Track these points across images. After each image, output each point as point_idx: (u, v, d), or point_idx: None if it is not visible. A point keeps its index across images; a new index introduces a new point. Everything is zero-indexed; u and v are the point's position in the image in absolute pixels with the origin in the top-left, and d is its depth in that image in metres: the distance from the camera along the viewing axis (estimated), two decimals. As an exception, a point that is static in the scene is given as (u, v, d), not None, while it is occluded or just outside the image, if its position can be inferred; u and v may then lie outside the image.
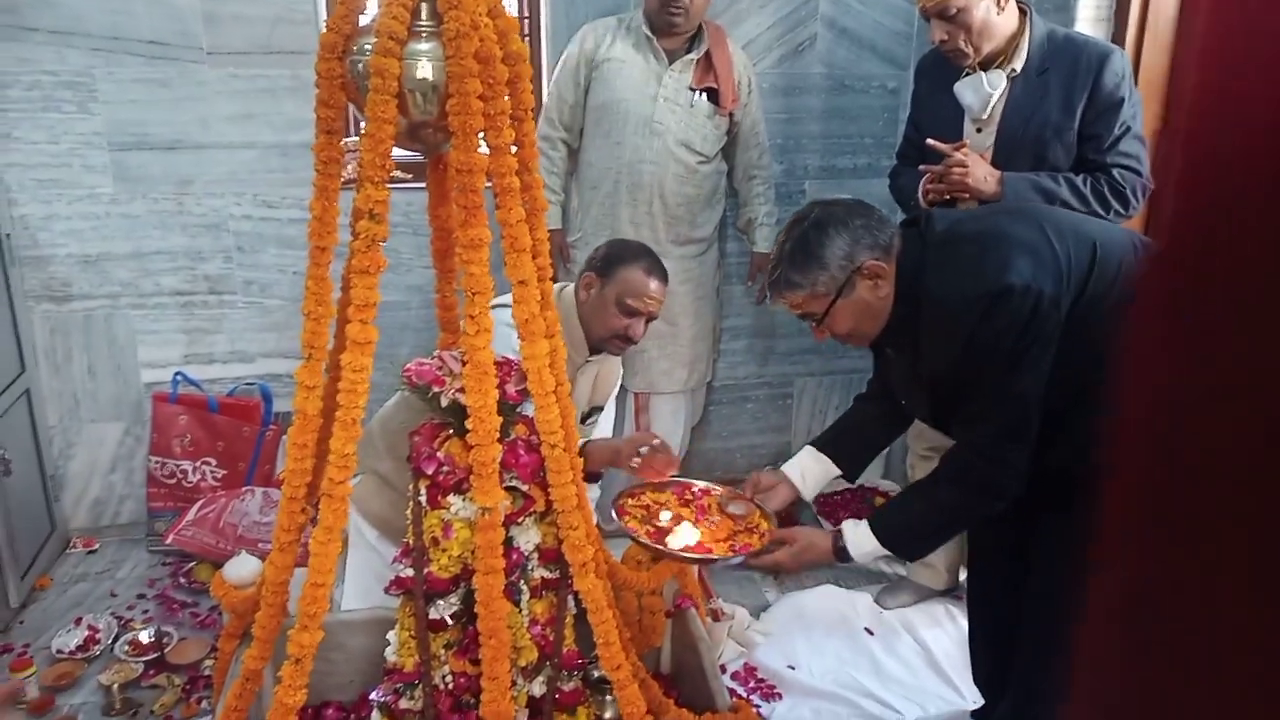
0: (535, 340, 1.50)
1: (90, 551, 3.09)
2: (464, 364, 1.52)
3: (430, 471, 1.66)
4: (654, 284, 2.21)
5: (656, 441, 2.07)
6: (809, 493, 2.04)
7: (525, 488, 1.69)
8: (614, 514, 1.94)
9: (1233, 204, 0.32)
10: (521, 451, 1.67)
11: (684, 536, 1.90)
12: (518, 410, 1.69)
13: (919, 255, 1.73)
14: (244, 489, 2.96)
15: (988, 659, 2.12)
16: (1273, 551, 0.32)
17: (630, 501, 2.00)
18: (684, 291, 2.99)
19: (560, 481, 1.58)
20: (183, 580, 2.88)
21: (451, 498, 1.66)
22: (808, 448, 2.07)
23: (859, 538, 1.82)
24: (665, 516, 1.96)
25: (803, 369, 3.60)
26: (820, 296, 1.74)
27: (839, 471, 2.04)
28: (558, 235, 2.91)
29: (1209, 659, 0.36)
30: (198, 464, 3.06)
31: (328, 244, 1.47)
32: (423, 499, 1.69)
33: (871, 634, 2.62)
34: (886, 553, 1.83)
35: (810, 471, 2.03)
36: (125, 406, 3.13)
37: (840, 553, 1.84)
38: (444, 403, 1.61)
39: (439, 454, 1.67)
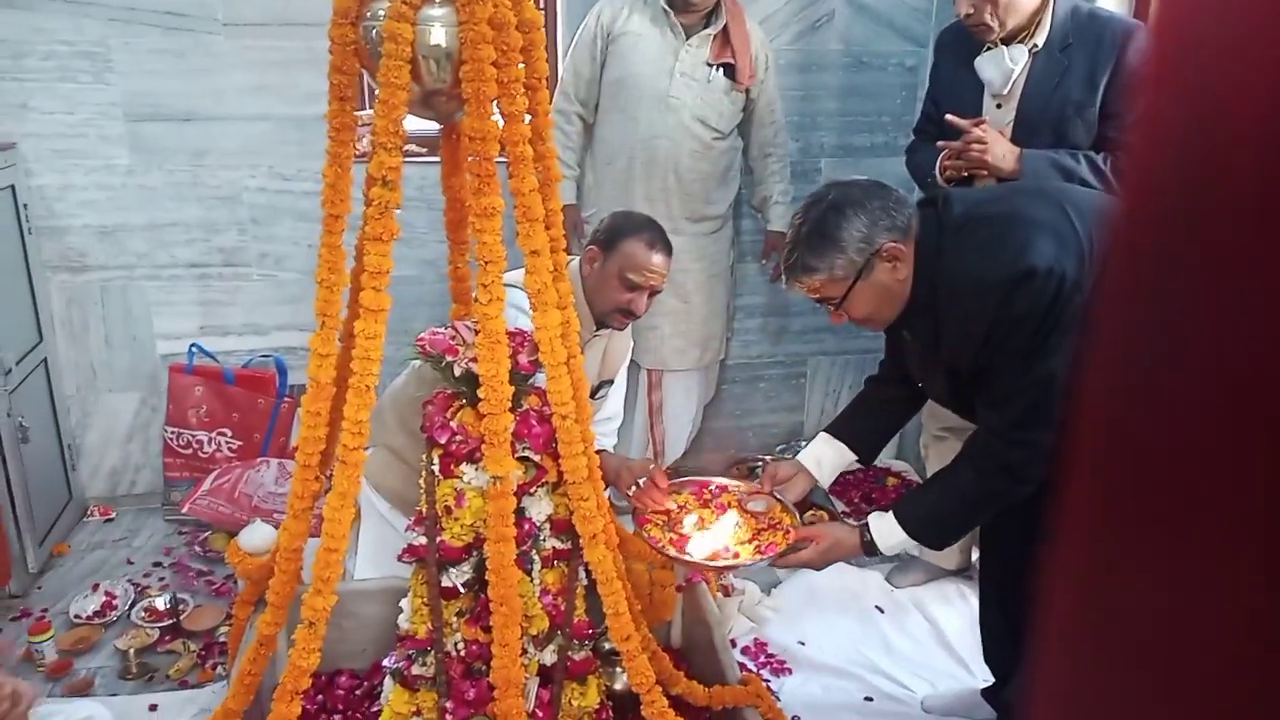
0: (547, 311, 1.50)
1: (107, 520, 3.12)
2: (477, 333, 1.53)
3: (443, 440, 1.66)
4: (656, 257, 2.18)
5: (652, 468, 2.07)
6: (826, 480, 2.04)
7: (537, 458, 1.69)
8: (634, 524, 1.94)
9: (1196, 169, 0.31)
10: (534, 422, 1.68)
11: (707, 542, 1.89)
12: (530, 381, 1.70)
13: (937, 237, 1.70)
14: (259, 460, 2.98)
15: (998, 638, 2.12)
16: (1243, 540, 0.31)
17: (650, 522, 1.98)
18: (698, 269, 2.98)
19: (571, 453, 1.58)
20: (198, 549, 2.91)
21: (464, 467, 1.67)
22: (822, 434, 2.06)
23: (885, 530, 1.81)
24: (689, 522, 1.94)
25: (816, 348, 3.59)
26: (838, 280, 1.71)
27: (854, 457, 2.03)
28: (572, 211, 2.90)
29: (1170, 659, 0.35)
30: (213, 435, 3.08)
31: (341, 211, 1.47)
32: (435, 468, 1.70)
33: (882, 612, 2.63)
34: (914, 543, 1.81)
35: (826, 459, 2.02)
36: (141, 377, 3.15)
37: (868, 546, 1.82)
38: (457, 372, 1.62)
39: (452, 423, 1.68)
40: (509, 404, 1.50)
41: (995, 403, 1.71)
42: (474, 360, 1.57)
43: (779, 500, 1.96)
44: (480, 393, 1.50)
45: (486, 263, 1.41)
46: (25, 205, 2.88)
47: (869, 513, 3.15)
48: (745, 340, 3.52)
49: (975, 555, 2.79)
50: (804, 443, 3.65)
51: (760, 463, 3.50)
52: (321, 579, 1.44)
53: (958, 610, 2.61)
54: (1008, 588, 2.02)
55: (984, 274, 1.63)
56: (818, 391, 3.65)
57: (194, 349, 3.09)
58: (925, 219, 1.73)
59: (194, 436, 3.08)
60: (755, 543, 1.88)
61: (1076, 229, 1.63)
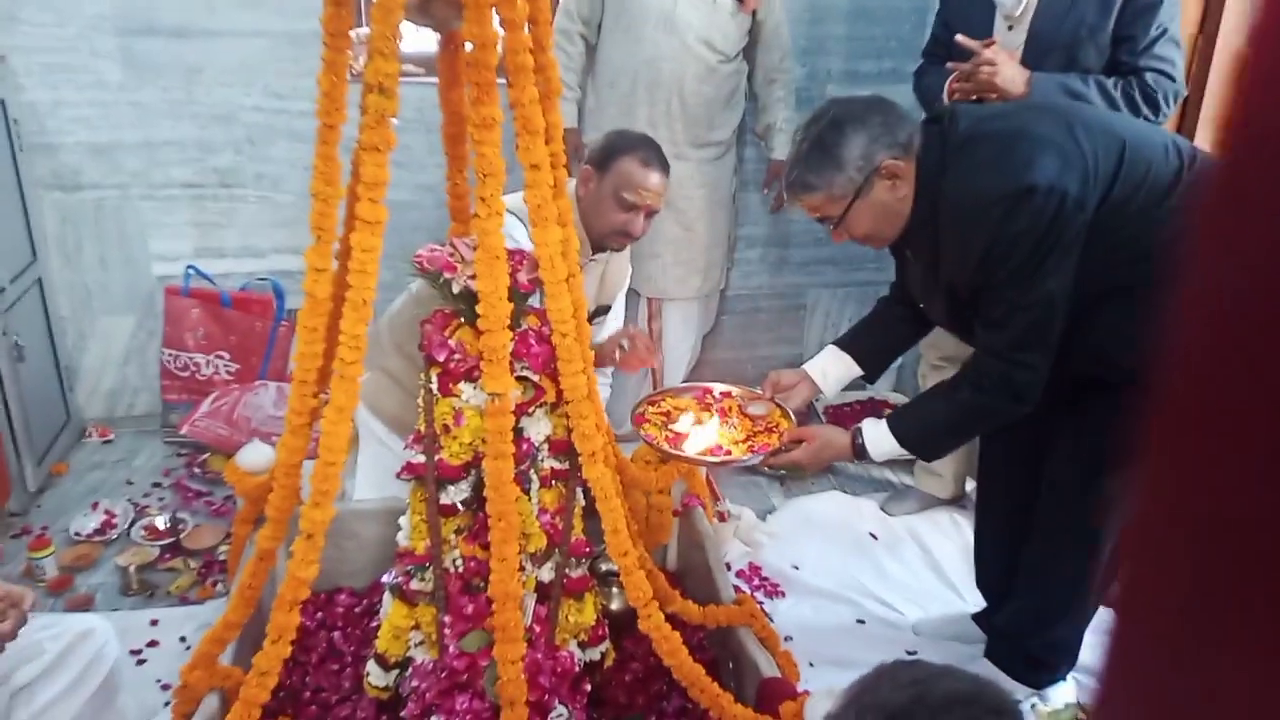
0: (547, 227, 1.48)
1: (106, 441, 3.13)
2: (475, 249, 1.51)
3: (442, 359, 1.66)
4: (653, 176, 2.14)
5: (633, 330, 2.06)
6: (830, 390, 2.02)
7: (536, 378, 1.69)
8: (631, 423, 1.93)
9: None
10: (533, 342, 1.67)
11: (701, 439, 1.89)
12: (529, 301, 1.68)
13: (940, 154, 1.67)
14: (257, 383, 2.98)
15: (992, 565, 2.14)
16: None
17: (650, 409, 1.99)
18: (700, 196, 2.94)
19: (570, 371, 1.57)
20: (197, 470, 2.92)
21: (462, 385, 1.66)
22: (830, 347, 2.05)
23: (877, 436, 1.81)
24: (685, 421, 1.95)
25: (817, 280, 3.57)
26: (837, 199, 1.69)
27: (860, 371, 2.01)
28: (573, 135, 2.85)
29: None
30: (211, 358, 3.07)
31: (336, 121, 1.44)
32: (434, 386, 1.69)
33: (876, 539, 2.65)
34: (904, 452, 1.81)
35: (831, 370, 2.01)
36: (137, 299, 3.13)
37: (859, 450, 1.82)
38: (455, 289, 1.60)
39: (450, 341, 1.67)
40: (508, 321, 1.48)
41: (994, 323, 1.69)
42: (472, 277, 1.55)
43: (779, 406, 1.96)
44: (479, 309, 1.48)
45: (485, 176, 1.39)
46: (16, 120, 2.83)
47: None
48: (745, 271, 3.49)
49: (970, 485, 2.82)
50: (802, 375, 3.67)
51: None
52: (320, 491, 1.44)
53: (951, 538, 2.64)
54: (1004, 514, 2.04)
55: (984, 190, 1.60)
56: (817, 324, 3.64)
57: (190, 271, 3.07)
58: (929, 136, 1.70)
59: (191, 359, 3.07)
60: (750, 443, 1.88)
61: (1082, 147, 1.60)
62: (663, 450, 1.87)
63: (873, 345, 2.02)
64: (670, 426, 1.93)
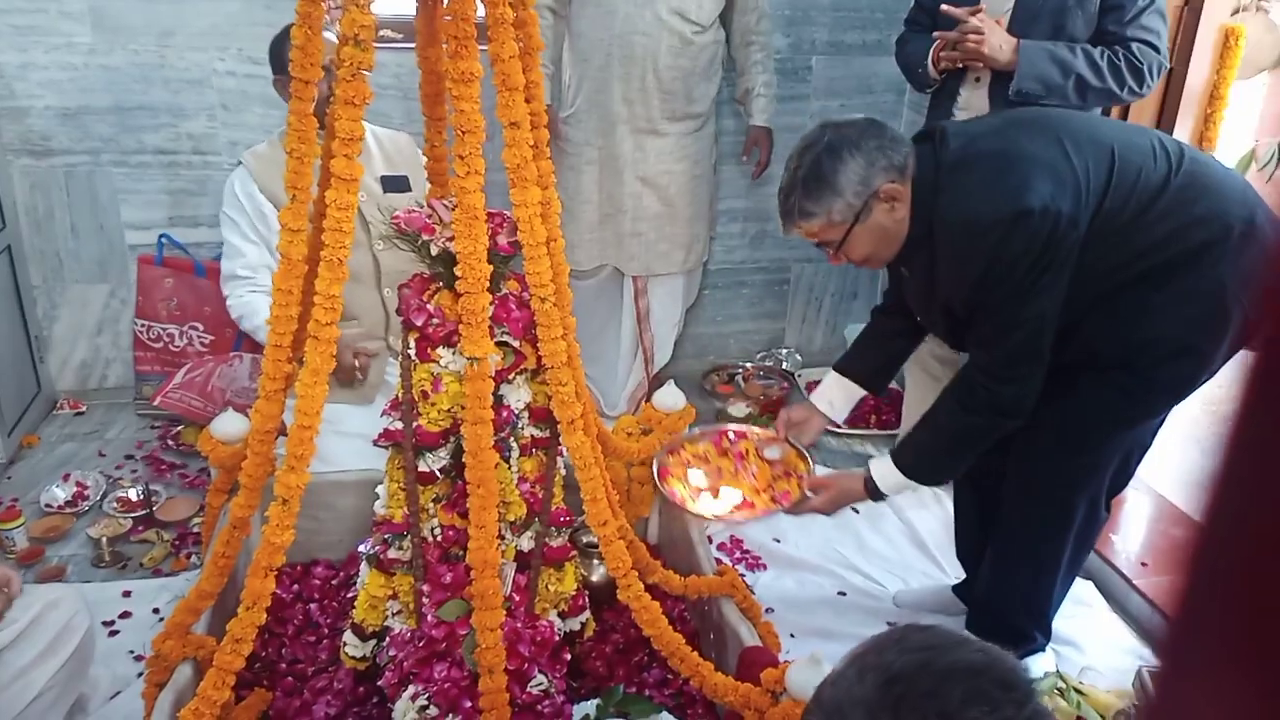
0: (526, 188, 1.45)
1: (78, 413, 3.08)
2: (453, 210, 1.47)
3: (419, 323, 1.63)
4: None
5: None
6: (840, 416, 2.07)
7: (516, 344, 1.66)
8: (655, 476, 1.98)
9: None
10: (513, 306, 1.64)
11: (727, 498, 1.96)
12: (509, 265, 1.65)
13: (934, 175, 1.68)
14: (231, 355, 2.92)
15: (971, 536, 2.15)
16: None
17: (672, 460, 2.02)
18: (681, 170, 2.89)
19: (550, 336, 1.55)
20: (170, 443, 2.88)
21: (441, 350, 1.64)
22: (832, 374, 2.07)
23: (885, 472, 1.86)
24: (697, 477, 2.00)
25: (800, 254, 3.54)
26: (836, 225, 1.70)
27: (864, 392, 2.05)
28: (549, 111, 2.80)
29: None
30: (184, 328, 3.02)
31: (310, 77, 1.40)
32: (411, 352, 1.66)
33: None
34: (913, 484, 1.86)
35: (837, 398, 2.05)
36: (110, 268, 3.07)
37: (872, 491, 1.88)
38: (434, 251, 1.57)
39: (429, 306, 1.63)
40: (487, 283, 1.45)
41: (986, 341, 1.72)
42: (450, 239, 1.52)
43: (794, 446, 2.00)
44: (457, 271, 1.45)
45: (464, 133, 1.35)
46: (-18, 84, 2.76)
47: (880, 423, 3.19)
48: (728, 245, 3.47)
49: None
50: (784, 350, 3.66)
51: (740, 370, 3.49)
52: (295, 456, 1.41)
53: (932, 512, 2.64)
54: (982, 486, 2.03)
55: (980, 214, 1.62)
56: (800, 299, 3.62)
57: (163, 240, 3.01)
58: (921, 156, 1.70)
59: (164, 330, 3.02)
60: (770, 491, 1.96)
61: (1074, 164, 1.62)
62: (689, 511, 1.94)
63: (873, 364, 2.06)
64: (692, 481, 2.00)
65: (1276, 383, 0.29)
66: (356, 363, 2.41)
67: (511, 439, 1.72)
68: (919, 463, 1.85)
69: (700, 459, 2.04)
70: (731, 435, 2.07)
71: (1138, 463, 1.89)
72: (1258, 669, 0.30)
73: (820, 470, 2.86)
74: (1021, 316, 1.64)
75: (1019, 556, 1.94)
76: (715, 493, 1.99)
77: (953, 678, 0.76)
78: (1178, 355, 1.68)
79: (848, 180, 1.66)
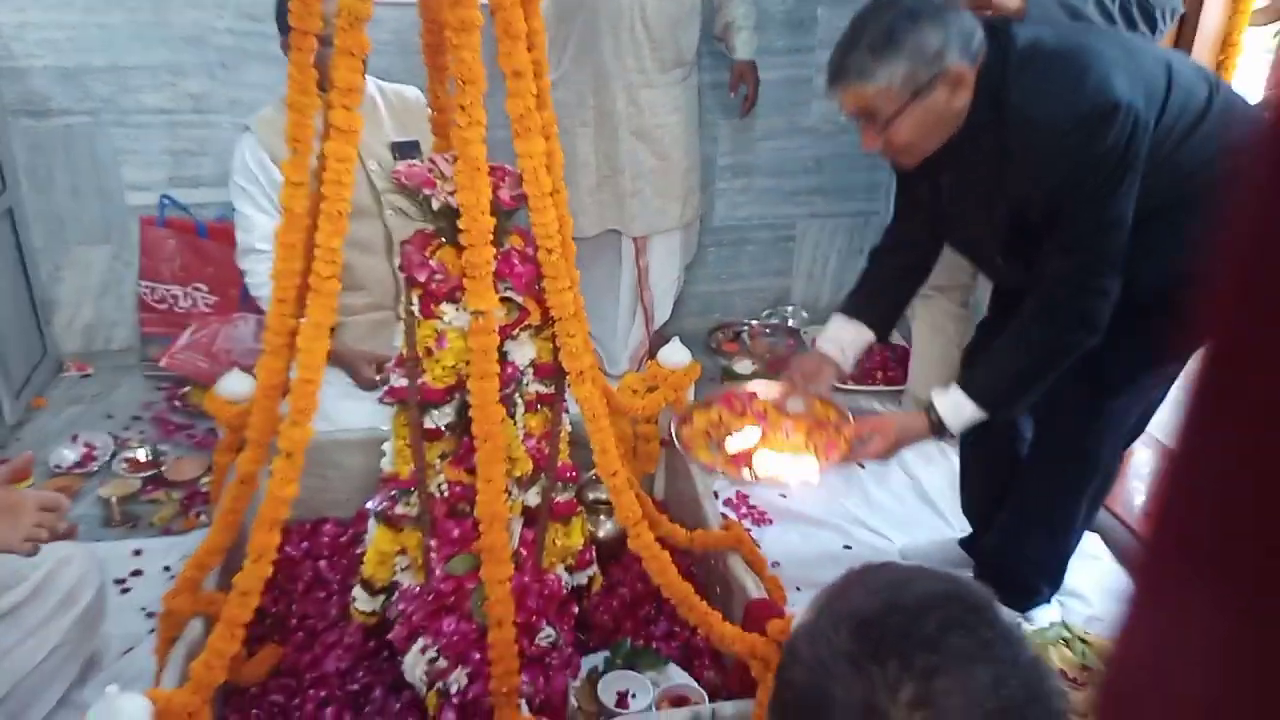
0: (530, 138, 1.43)
1: (84, 376, 3.08)
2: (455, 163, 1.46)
3: (422, 279, 1.62)
4: None
5: None
6: (849, 364, 1.95)
7: (520, 299, 1.65)
8: (685, 452, 1.83)
9: None
10: (516, 261, 1.63)
11: (771, 458, 1.78)
12: (513, 218, 1.64)
13: (1001, 69, 1.57)
14: (236, 315, 2.92)
15: (979, 490, 2.14)
16: None
17: (687, 431, 1.85)
18: (674, 122, 2.84)
19: (557, 288, 1.54)
20: (177, 404, 2.88)
21: (445, 306, 1.63)
22: (837, 316, 1.96)
23: (952, 405, 1.72)
24: (738, 439, 1.81)
25: (806, 210, 3.51)
26: (894, 94, 1.54)
27: (872, 336, 1.94)
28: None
29: None
30: (188, 289, 3.01)
31: (310, 28, 1.38)
32: (415, 308, 1.65)
33: (863, 468, 2.64)
34: (982, 415, 1.72)
35: (846, 342, 1.93)
36: (113, 229, 3.06)
37: (935, 427, 1.75)
38: (435, 206, 1.56)
39: (431, 261, 1.62)
40: (490, 236, 1.44)
41: (1064, 248, 1.61)
42: (453, 193, 1.51)
43: (814, 396, 1.86)
44: (460, 224, 1.44)
45: (465, 83, 1.33)
46: (-21, 43, 2.73)
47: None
48: (733, 202, 3.44)
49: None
50: (790, 307, 3.64)
51: (745, 327, 3.48)
52: (298, 410, 1.41)
53: (939, 467, 2.64)
54: (992, 439, 2.02)
55: (1064, 110, 1.52)
56: (805, 255, 3.60)
57: (165, 201, 2.99)
58: (989, 47, 1.59)
59: (169, 291, 3.01)
60: (812, 445, 1.79)
61: (1142, 67, 1.56)
62: (744, 477, 1.77)
63: (879, 305, 1.94)
64: (727, 447, 1.81)
65: (1241, 293, 0.28)
66: (377, 378, 2.40)
67: (516, 395, 1.72)
68: (995, 391, 1.71)
69: (721, 427, 1.89)
70: (744, 396, 1.93)
71: (1151, 415, 1.88)
72: (1227, 588, 0.30)
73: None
74: (1105, 220, 1.56)
75: (1038, 511, 1.92)
76: (751, 460, 1.79)
77: (924, 610, 0.76)
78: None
79: (922, 48, 1.52)
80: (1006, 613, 0.80)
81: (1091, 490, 1.88)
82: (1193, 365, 0.32)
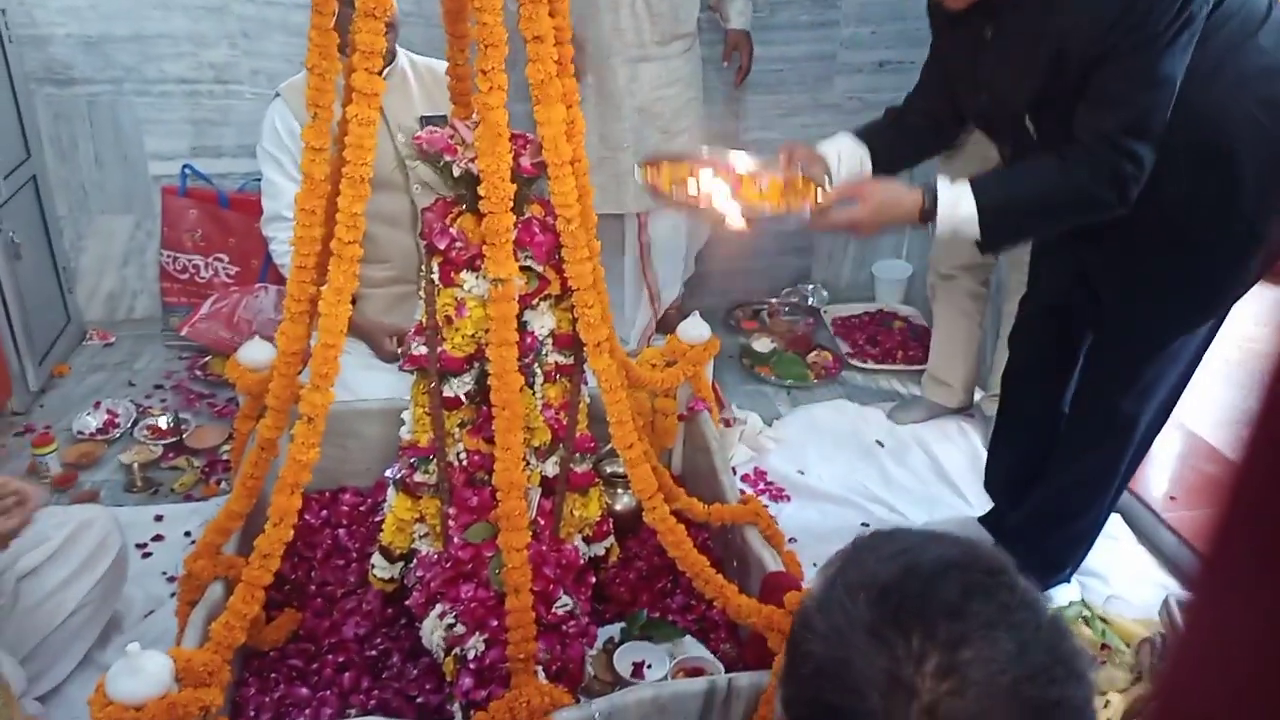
0: (550, 105, 1.42)
1: (107, 344, 3.11)
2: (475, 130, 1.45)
3: (443, 247, 1.61)
4: None
5: None
6: (839, 174, 1.77)
7: (540, 269, 1.65)
8: (647, 186, 1.71)
9: None
10: (537, 230, 1.62)
11: (726, 199, 1.64)
12: (533, 185, 1.63)
13: None
14: (257, 286, 2.93)
15: (1008, 467, 2.11)
16: None
17: (652, 171, 1.72)
18: (674, 94, 2.81)
19: (576, 258, 1.53)
20: (199, 373, 2.90)
21: (464, 274, 1.62)
22: (844, 132, 1.83)
23: (954, 197, 1.58)
24: (702, 183, 1.66)
25: (828, 187, 3.48)
26: None
27: (870, 168, 1.79)
28: None
29: None
30: (210, 260, 3.02)
31: (332, -10, 1.37)
32: (435, 276, 1.65)
33: (882, 446, 2.64)
34: (974, 227, 1.59)
35: (846, 154, 1.79)
36: (135, 199, 3.08)
37: (926, 213, 1.59)
38: (456, 173, 1.55)
39: (451, 229, 1.62)
40: (511, 203, 1.43)
41: (1104, 103, 1.52)
42: (473, 160, 1.50)
43: (798, 174, 1.71)
44: (480, 191, 1.43)
45: (487, 46, 1.32)
46: (3, 10, 2.73)
47: (873, 353, 3.16)
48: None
49: (978, 395, 2.79)
50: (810, 286, 3.61)
51: (765, 306, 3.46)
52: (319, 375, 1.41)
53: (958, 446, 2.62)
54: (1029, 415, 2.00)
55: None
56: (827, 234, 3.57)
57: (187, 171, 3.00)
58: None
59: (190, 261, 3.03)
60: (784, 202, 1.65)
61: None
62: (684, 204, 1.62)
63: (891, 142, 1.82)
64: (691, 190, 1.67)
65: None
66: (399, 349, 2.40)
67: (536, 365, 1.72)
68: (1001, 204, 1.59)
69: (687, 179, 1.71)
70: (720, 165, 1.72)
71: (1184, 388, 1.85)
72: None
73: (845, 403, 2.89)
74: (1153, 76, 1.48)
75: (1076, 484, 1.91)
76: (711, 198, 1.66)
77: (942, 575, 0.74)
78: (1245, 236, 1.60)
79: None
80: (1021, 576, 0.78)
81: (1127, 463, 1.86)
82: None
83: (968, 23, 1.63)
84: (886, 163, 1.81)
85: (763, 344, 3.19)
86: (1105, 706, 1.66)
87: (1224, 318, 1.76)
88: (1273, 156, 1.56)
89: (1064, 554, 1.99)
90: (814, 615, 0.77)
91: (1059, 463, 1.93)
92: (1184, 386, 1.85)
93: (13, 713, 0.89)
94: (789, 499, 2.44)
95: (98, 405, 2.68)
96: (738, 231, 1.63)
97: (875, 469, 2.55)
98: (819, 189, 1.64)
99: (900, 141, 1.83)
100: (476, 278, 1.62)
